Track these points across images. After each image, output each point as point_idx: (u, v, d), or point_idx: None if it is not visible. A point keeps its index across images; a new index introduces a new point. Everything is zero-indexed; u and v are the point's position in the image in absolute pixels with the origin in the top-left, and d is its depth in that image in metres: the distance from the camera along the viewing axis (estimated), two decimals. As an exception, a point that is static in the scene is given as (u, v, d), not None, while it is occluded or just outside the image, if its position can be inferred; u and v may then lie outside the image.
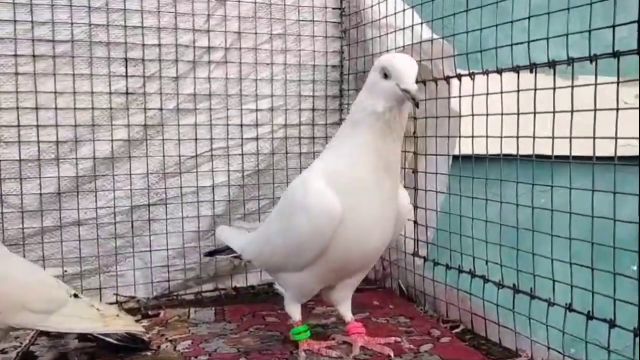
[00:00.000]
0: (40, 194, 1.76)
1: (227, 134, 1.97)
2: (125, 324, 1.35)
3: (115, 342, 1.33)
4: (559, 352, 1.24)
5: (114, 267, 1.87)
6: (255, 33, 1.98)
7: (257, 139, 2.02)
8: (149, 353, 1.40)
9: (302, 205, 1.29)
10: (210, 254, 1.79)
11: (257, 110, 2.01)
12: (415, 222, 1.76)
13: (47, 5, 1.73)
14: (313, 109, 2.09)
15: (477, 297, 1.49)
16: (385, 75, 1.23)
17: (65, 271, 1.80)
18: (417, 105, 1.21)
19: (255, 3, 1.97)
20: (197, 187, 1.94)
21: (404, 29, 1.75)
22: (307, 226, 1.28)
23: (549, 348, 1.27)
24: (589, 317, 1.15)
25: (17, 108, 1.72)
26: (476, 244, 1.49)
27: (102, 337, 1.32)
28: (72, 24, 1.76)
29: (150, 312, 1.72)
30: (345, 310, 1.46)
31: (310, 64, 2.07)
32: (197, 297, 1.91)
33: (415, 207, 1.75)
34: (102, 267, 1.86)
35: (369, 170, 1.27)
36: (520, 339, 1.37)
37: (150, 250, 1.89)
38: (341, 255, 1.30)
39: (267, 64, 2.01)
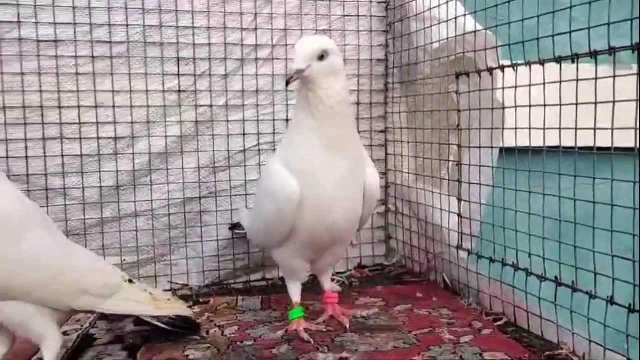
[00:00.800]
0: (100, 187, 1.87)
1: (274, 129, 2.03)
2: (175, 308, 1.43)
3: (164, 326, 1.40)
4: (600, 345, 1.22)
5: (168, 256, 1.96)
6: (301, 30, 2.03)
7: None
8: (198, 337, 1.47)
9: (267, 189, 1.45)
10: (232, 227, 1.94)
11: (303, 105, 2.06)
12: (459, 215, 1.76)
13: (104, 8, 1.83)
14: (358, 103, 2.12)
15: (520, 290, 1.48)
16: None
17: (124, 260, 1.90)
18: (286, 83, 1.36)
19: (301, 0, 2.01)
20: (245, 180, 2.01)
21: (447, 21, 1.75)
22: (272, 208, 1.41)
23: (590, 341, 1.26)
24: (631, 310, 1.14)
25: (78, 106, 1.83)
26: (520, 237, 1.48)
27: (153, 321, 1.39)
28: (127, 25, 1.85)
29: (201, 300, 1.80)
30: (325, 280, 1.59)
31: (355, 59, 2.10)
32: (245, 286, 1.98)
33: (460, 200, 1.75)
34: (158, 257, 1.95)
35: (315, 151, 1.35)
36: (562, 332, 1.35)
37: (202, 241, 1.97)
38: (308, 232, 1.41)
39: (313, 60, 2.05)
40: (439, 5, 1.80)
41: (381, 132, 2.16)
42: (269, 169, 1.47)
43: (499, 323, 1.53)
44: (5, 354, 1.22)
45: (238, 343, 1.43)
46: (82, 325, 1.57)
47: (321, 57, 1.34)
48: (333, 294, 1.60)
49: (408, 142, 2.05)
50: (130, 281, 1.37)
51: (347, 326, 1.49)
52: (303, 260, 1.51)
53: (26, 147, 1.78)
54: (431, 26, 1.85)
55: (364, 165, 1.48)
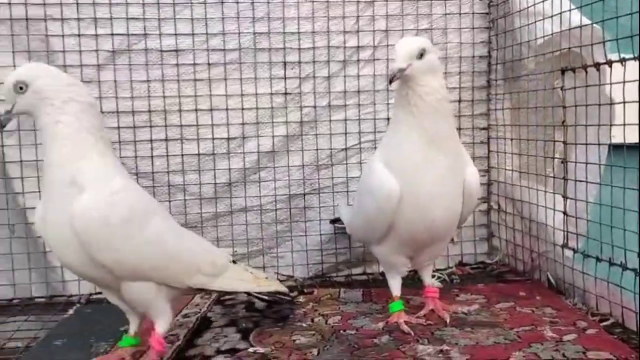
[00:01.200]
0: (215, 184, 2.03)
1: (375, 128, 2.09)
2: (273, 285, 1.55)
3: (267, 298, 1.58)
4: None
5: (275, 249, 2.09)
6: (402, 30, 2.07)
7: (404, 131, 2.11)
8: (304, 324, 1.57)
9: (367, 187, 1.48)
10: (333, 221, 2.03)
11: (404, 104, 2.10)
12: (565, 213, 1.73)
13: (218, 19, 1.98)
14: (459, 101, 2.12)
15: (628, 291, 1.43)
16: None
17: (235, 251, 2.05)
18: (389, 82, 1.38)
19: (403, 1, 2.06)
20: (346, 177, 2.08)
21: (552, 16, 1.72)
22: (372, 205, 1.46)
23: None
24: None
25: (196, 110, 2.00)
26: (628, 236, 1.43)
27: (256, 295, 1.55)
28: (239, 33, 2.00)
29: (305, 290, 1.90)
30: (426, 275, 1.63)
31: (456, 56, 2.11)
32: (347, 279, 2.06)
33: (565, 198, 1.72)
34: (266, 249, 2.08)
35: (414, 148, 1.38)
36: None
37: (305, 235, 2.08)
38: (407, 229, 1.45)
39: (414, 59, 2.09)
40: (543, 0, 1.77)
41: (483, 129, 2.15)
42: (369, 167, 1.52)
43: (605, 323, 1.49)
44: (136, 331, 1.38)
45: (341, 331, 1.50)
46: (200, 309, 1.72)
47: (420, 56, 1.38)
48: (434, 289, 1.62)
49: (512, 139, 2.03)
50: (234, 262, 1.49)
51: (448, 321, 1.52)
52: (402, 256, 1.55)
53: (151, 148, 1.98)
54: (535, 21, 1.83)
55: (464, 164, 1.49)
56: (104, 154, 1.26)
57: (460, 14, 2.10)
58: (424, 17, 2.08)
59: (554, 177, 1.82)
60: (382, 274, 2.08)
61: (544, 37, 1.79)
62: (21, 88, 1.20)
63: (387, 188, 1.40)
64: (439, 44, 2.09)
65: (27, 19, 1.87)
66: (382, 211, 1.43)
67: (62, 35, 1.89)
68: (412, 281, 1.98)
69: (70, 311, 1.76)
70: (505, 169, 2.07)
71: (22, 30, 1.88)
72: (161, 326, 1.32)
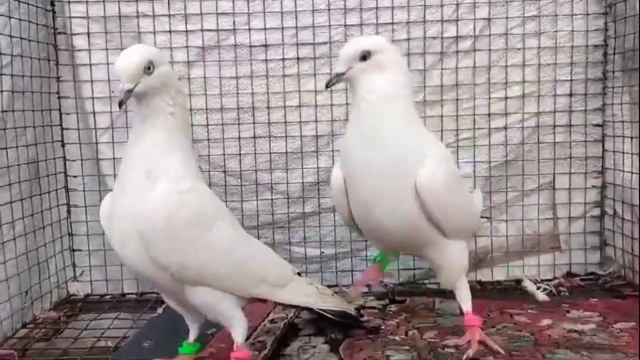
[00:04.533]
0: (302, 183, 1.96)
1: (474, 124, 1.93)
2: (339, 303, 1.46)
3: (331, 317, 1.44)
4: None
5: (364, 251, 1.98)
6: (506, 17, 1.90)
7: (505, 128, 1.94)
8: (397, 338, 1.46)
9: None
10: None
11: (506, 98, 1.93)
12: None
13: (308, 11, 1.90)
14: (570, 94, 1.92)
15: None
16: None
17: (323, 252, 1.98)
18: (326, 86, 1.40)
19: (508, -14, 1.89)
20: (441, 177, 1.95)
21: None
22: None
23: None
24: None
25: (284, 106, 1.93)
26: None
27: (321, 311, 1.42)
28: (329, 26, 1.91)
29: (397, 298, 1.79)
30: (458, 297, 1.43)
31: (567, 46, 1.91)
32: (440, 287, 1.92)
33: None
34: (354, 251, 1.99)
35: (353, 144, 1.35)
36: None
37: (397, 239, 1.97)
38: (366, 230, 1.46)
39: (519, 49, 1.91)
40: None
41: (597, 125, 1.94)
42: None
43: None
44: (195, 337, 1.33)
45: (438, 349, 1.38)
46: (287, 315, 1.65)
47: (363, 57, 1.32)
48: (475, 317, 1.38)
49: (631, 138, 1.81)
50: (299, 274, 1.42)
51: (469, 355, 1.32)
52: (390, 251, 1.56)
53: (239, 145, 1.94)
54: (665, 3, 1.60)
55: (417, 163, 1.30)
56: (185, 152, 1.21)
57: (572, -1, 1.90)
58: (531, 3, 1.90)
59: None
60: (480, 282, 1.95)
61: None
62: (149, 68, 1.14)
63: (333, 179, 1.44)
64: (547, 32, 1.91)
65: (119, 17, 1.88)
66: (336, 202, 1.48)
67: (154, 32, 1.88)
68: (516, 292, 1.84)
69: (159, 310, 1.74)
70: (623, 171, 1.85)
71: (115, 28, 1.89)
72: (238, 335, 1.25)
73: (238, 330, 1.25)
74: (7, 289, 1.60)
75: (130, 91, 1.13)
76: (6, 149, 1.62)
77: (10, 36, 1.64)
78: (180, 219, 1.15)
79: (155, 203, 1.14)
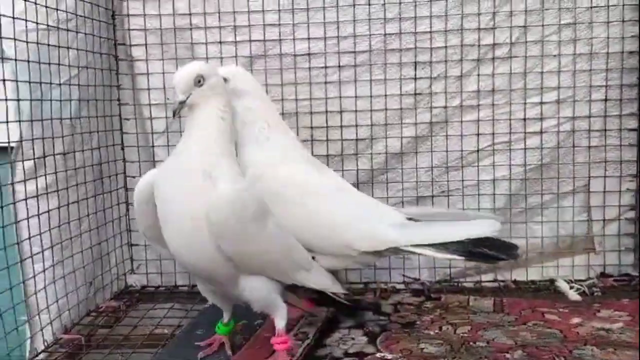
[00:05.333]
0: (343, 184, 2.07)
1: (510, 129, 2.00)
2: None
3: (344, 302, 1.55)
4: None
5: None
6: (542, 25, 1.95)
7: (541, 132, 2.00)
8: (431, 332, 1.56)
9: None
10: None
11: (541, 103, 1.99)
12: None
13: (350, 21, 2.00)
14: (605, 100, 1.96)
15: None
16: None
17: (362, 251, 2.07)
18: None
19: (543, -5, 1.94)
20: (477, 180, 2.02)
21: None
22: None
23: None
24: None
25: (326, 112, 2.04)
26: None
27: (334, 296, 1.52)
28: (370, 35, 2.00)
29: (432, 295, 1.88)
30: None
31: (603, 52, 1.95)
32: (476, 285, 2.00)
33: None
34: (392, 249, 2.08)
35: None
36: None
37: (434, 238, 2.05)
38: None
39: (554, 56, 1.97)
40: None
41: (633, 130, 1.97)
42: None
43: None
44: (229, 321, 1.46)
45: (471, 343, 1.47)
46: (327, 308, 1.76)
47: (199, 82, 1.32)
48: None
49: (666, 142, 1.84)
50: (313, 258, 1.50)
51: None
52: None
53: (284, 149, 2.05)
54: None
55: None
56: (232, 154, 1.36)
57: (608, 6, 1.93)
58: (567, 11, 1.95)
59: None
60: (515, 281, 2.01)
61: None
62: (199, 82, 1.30)
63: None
64: (582, 39, 1.95)
65: (174, 29, 2.02)
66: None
67: (206, 43, 2.02)
68: (549, 292, 1.90)
69: (209, 302, 1.87)
70: (658, 174, 1.89)
71: (170, 39, 2.03)
72: (280, 321, 1.37)
73: (281, 317, 1.37)
74: (75, 280, 1.76)
75: (182, 102, 1.30)
76: (74, 152, 1.77)
77: (78, 49, 1.79)
78: (246, 214, 1.28)
79: (223, 201, 1.24)
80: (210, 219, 1.23)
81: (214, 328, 1.53)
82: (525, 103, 1.99)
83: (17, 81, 1.53)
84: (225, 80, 1.44)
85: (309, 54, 2.02)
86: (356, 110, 2.03)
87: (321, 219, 1.57)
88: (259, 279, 1.34)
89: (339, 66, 2.02)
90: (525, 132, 2.00)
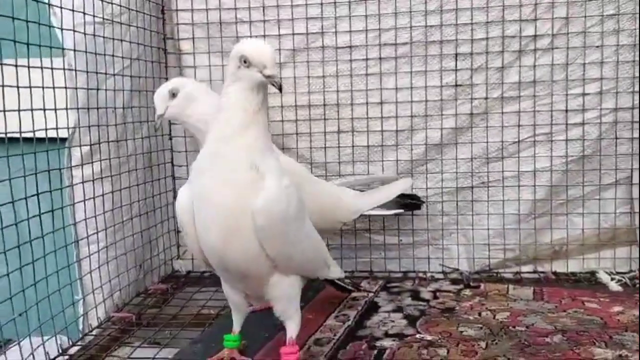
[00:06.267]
0: (383, 175, 2.10)
1: (551, 120, 2.00)
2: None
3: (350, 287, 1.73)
4: None
5: (440, 240, 2.10)
6: (585, 16, 1.95)
7: (583, 124, 1.99)
8: (470, 317, 1.58)
9: None
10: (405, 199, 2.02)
11: (583, 94, 1.98)
12: None
13: (391, 14, 2.03)
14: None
15: None
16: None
17: (401, 240, 2.10)
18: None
19: (586, -14, 1.94)
20: (518, 171, 2.02)
21: None
22: None
23: None
24: None
25: (367, 103, 2.07)
26: None
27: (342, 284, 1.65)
28: (411, 27, 2.03)
29: (471, 284, 1.90)
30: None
31: (645, 43, 1.94)
32: (515, 276, 2.00)
33: None
34: (431, 240, 2.10)
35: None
36: None
37: (472, 229, 2.06)
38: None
39: (597, 47, 1.96)
40: None
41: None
42: None
43: None
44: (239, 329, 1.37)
45: (510, 327, 1.48)
46: (367, 294, 1.80)
47: (173, 95, 1.57)
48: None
49: None
50: None
51: None
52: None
53: (325, 139, 2.10)
54: None
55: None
56: (272, 150, 1.27)
57: (656, -4, 1.92)
58: (610, 2, 1.94)
59: None
60: (555, 273, 2.01)
61: None
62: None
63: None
64: (626, 30, 1.94)
65: (220, 23, 2.09)
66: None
67: (250, 37, 2.08)
68: (590, 283, 1.89)
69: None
70: None
71: (216, 33, 2.10)
72: (293, 329, 1.28)
73: (295, 324, 1.29)
74: (126, 262, 1.85)
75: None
76: (125, 140, 1.86)
77: (130, 42, 1.88)
78: (290, 213, 1.21)
79: (271, 199, 1.16)
80: (255, 218, 1.15)
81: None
82: (567, 94, 1.99)
83: (75, 70, 1.62)
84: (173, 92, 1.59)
85: (350, 47, 2.06)
86: (396, 102, 2.06)
87: (318, 201, 1.61)
88: (293, 277, 1.29)
89: (380, 58, 2.05)
90: (567, 124, 2.00)
